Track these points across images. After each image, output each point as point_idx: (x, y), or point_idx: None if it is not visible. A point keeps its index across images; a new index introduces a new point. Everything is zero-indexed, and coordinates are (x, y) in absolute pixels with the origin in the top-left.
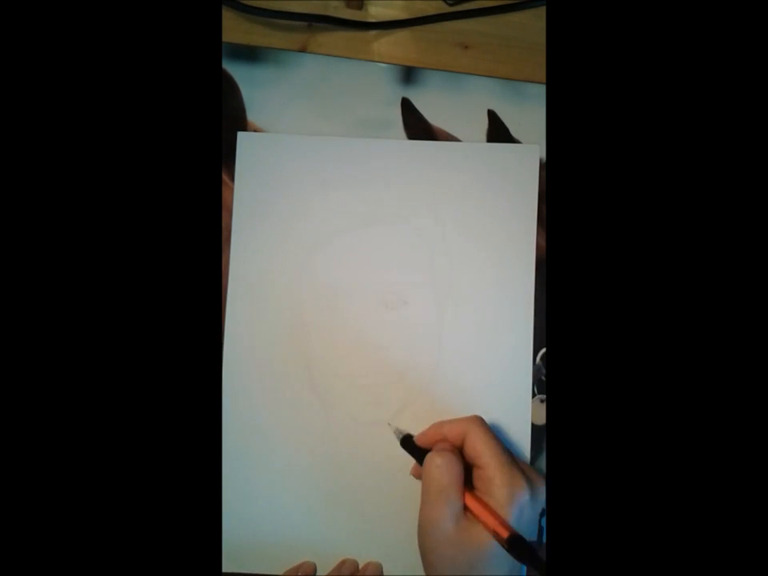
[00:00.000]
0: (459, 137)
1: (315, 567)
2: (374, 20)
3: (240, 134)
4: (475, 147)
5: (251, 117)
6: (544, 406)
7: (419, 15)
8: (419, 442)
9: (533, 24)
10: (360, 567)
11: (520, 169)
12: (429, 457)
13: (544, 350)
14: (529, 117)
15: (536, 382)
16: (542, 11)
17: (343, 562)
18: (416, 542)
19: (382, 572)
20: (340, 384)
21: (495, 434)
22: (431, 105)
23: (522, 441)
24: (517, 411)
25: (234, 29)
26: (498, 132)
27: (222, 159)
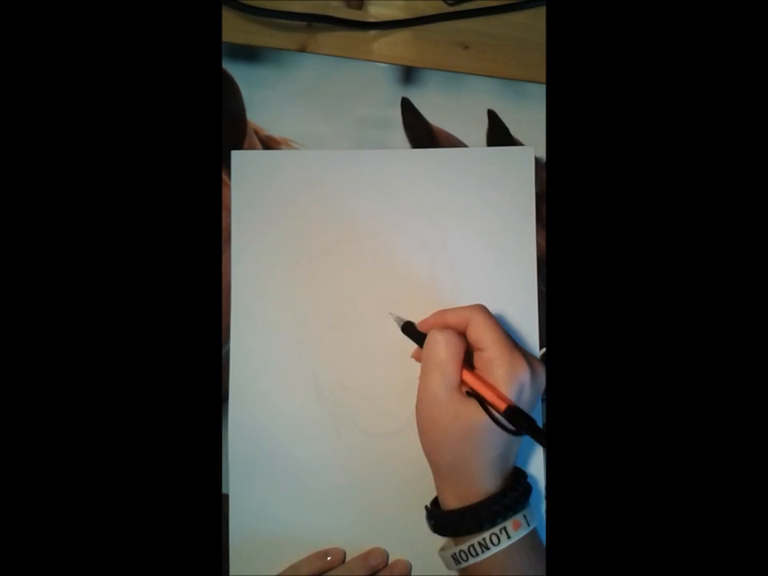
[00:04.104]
0: (459, 137)
1: (345, 554)
2: (373, 20)
3: (234, 153)
4: (469, 153)
5: (251, 117)
6: (544, 405)
7: (419, 15)
8: (421, 328)
9: (533, 24)
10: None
11: (515, 171)
12: (430, 333)
13: (544, 349)
14: (529, 117)
15: None
16: (541, 11)
17: (371, 552)
18: (428, 547)
19: (410, 572)
20: (348, 396)
21: (498, 322)
22: (431, 105)
23: (533, 442)
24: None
25: (234, 29)
26: (498, 132)
27: (222, 159)
